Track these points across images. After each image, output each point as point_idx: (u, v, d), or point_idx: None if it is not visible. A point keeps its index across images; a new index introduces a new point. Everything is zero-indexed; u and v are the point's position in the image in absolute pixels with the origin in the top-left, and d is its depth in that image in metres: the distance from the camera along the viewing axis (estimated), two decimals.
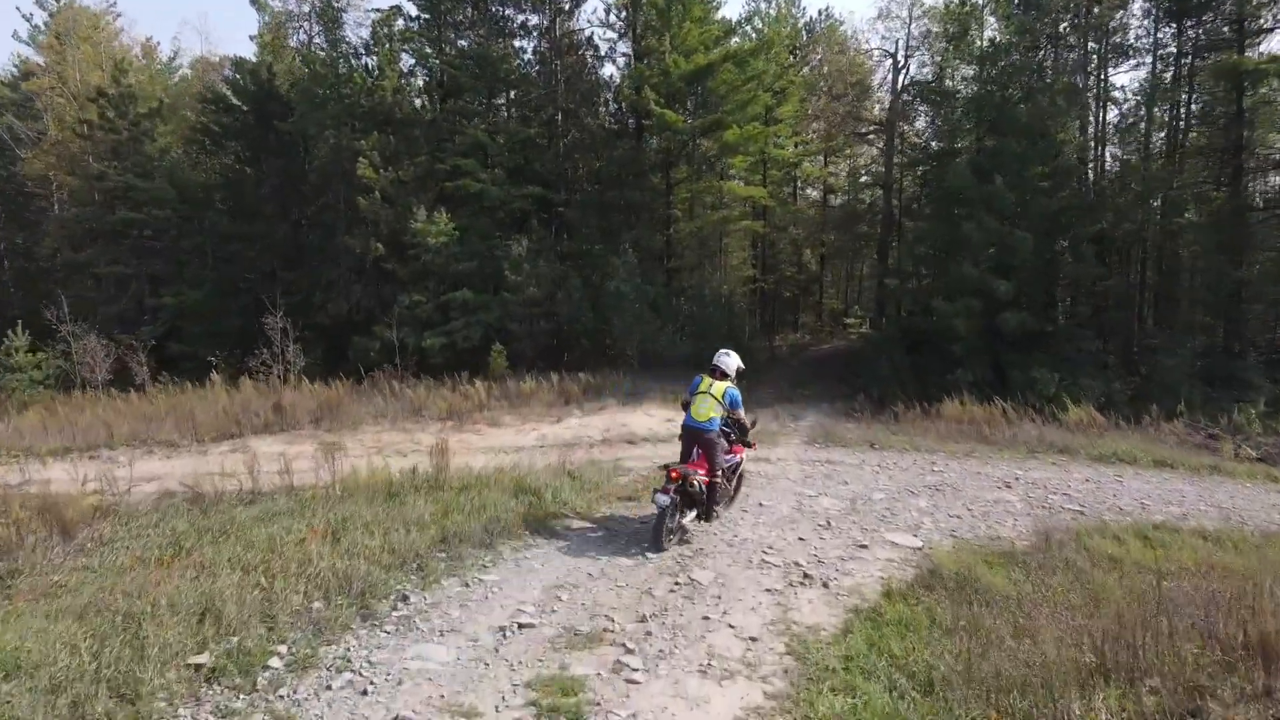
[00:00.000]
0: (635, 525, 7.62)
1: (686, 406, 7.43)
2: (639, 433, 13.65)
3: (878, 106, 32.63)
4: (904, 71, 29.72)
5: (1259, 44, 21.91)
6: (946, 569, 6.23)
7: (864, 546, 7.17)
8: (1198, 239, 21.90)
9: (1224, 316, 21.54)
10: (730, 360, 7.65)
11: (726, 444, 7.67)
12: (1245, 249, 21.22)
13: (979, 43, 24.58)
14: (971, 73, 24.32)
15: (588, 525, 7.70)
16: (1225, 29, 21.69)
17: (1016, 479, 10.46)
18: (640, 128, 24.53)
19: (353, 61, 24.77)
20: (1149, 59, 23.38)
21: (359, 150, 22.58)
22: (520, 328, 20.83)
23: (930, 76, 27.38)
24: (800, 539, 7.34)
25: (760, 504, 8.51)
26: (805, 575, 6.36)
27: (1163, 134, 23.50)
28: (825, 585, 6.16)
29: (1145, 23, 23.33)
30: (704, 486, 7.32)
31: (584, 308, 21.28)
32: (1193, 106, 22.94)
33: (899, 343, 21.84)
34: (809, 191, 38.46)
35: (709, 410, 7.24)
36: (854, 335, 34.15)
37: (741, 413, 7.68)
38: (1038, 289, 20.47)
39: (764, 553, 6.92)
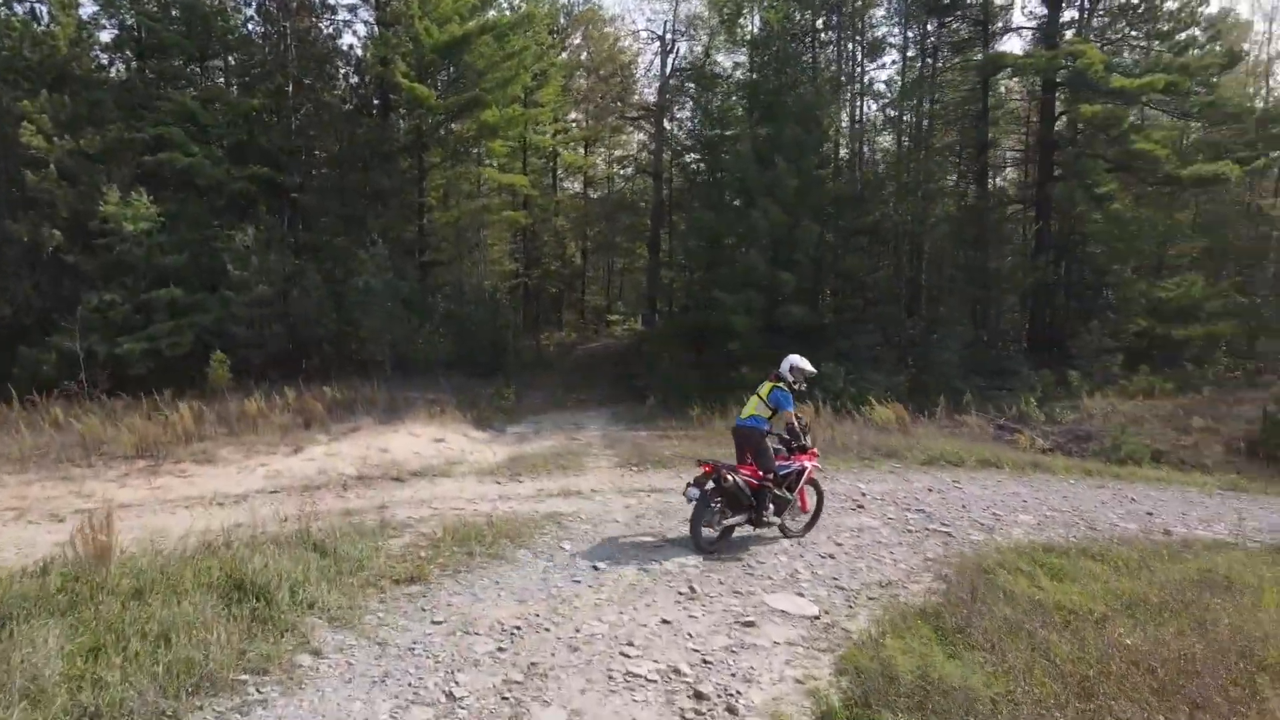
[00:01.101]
0: (426, 638, 5.54)
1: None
2: (406, 463, 11.93)
3: (646, 91, 35.71)
4: (672, 54, 32.34)
5: (1000, 44, 25.65)
6: (880, 658, 5.20)
7: (750, 624, 5.97)
8: (951, 232, 25.08)
9: (980, 308, 24.94)
10: (791, 364, 8.13)
11: (786, 450, 8.11)
12: (992, 242, 24.80)
13: (750, 28, 26.15)
14: (744, 58, 25.88)
15: (353, 643, 5.40)
16: (968, 29, 25.58)
17: (864, 495, 10.38)
18: (387, 104, 24.06)
19: (14, 5, 22.52)
20: (899, 56, 26.66)
21: (22, 113, 20.37)
22: (246, 332, 19.56)
23: (699, 60, 28.48)
24: (664, 621, 6.03)
25: (595, 566, 7.07)
26: (696, 694, 4.97)
27: (917, 129, 26.36)
28: (731, 712, 4.78)
29: (895, 20, 26.66)
30: (749, 487, 7.65)
31: (325, 307, 20.50)
32: (936, 105, 26.24)
33: (679, 340, 22.93)
34: (570, 184, 40.73)
35: (752, 408, 8.01)
36: (620, 333, 35.52)
37: (791, 413, 8.04)
38: (814, 282, 22.46)
39: (625, 655, 5.47)
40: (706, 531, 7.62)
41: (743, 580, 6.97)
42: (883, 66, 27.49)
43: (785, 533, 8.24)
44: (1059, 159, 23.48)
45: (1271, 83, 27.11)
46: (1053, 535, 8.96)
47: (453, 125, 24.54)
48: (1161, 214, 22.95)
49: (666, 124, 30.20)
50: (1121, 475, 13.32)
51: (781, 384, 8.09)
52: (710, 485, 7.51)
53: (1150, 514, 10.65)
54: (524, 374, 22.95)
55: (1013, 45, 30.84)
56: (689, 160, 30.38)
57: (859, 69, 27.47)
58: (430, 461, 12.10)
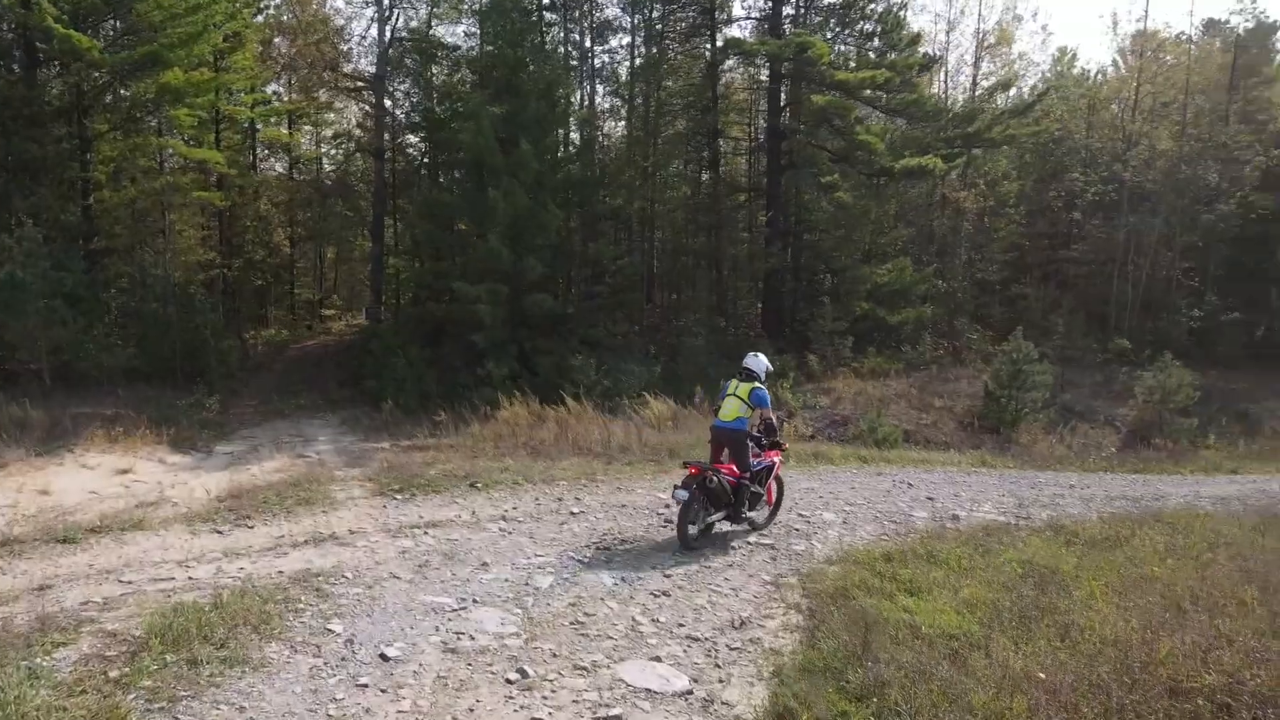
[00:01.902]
0: None
1: (716, 412, 8.75)
2: (79, 510, 9.41)
3: (362, 61, 34.59)
4: (391, 21, 31.95)
5: (725, 33, 26.86)
6: None
7: None
8: (687, 219, 26.94)
9: (718, 294, 26.84)
10: (758, 362, 8.84)
11: (757, 448, 8.72)
12: (726, 229, 26.76)
13: None
14: (474, 28, 25.48)
15: None
16: (695, 16, 27.19)
17: (669, 507, 9.74)
18: (34, 55, 21.11)
19: None
20: (628, 40, 28.22)
21: None
22: None
23: (421, 30, 27.46)
24: None
25: (384, 655, 5.54)
26: None
27: (648, 115, 27.76)
28: None
29: (623, 3, 27.77)
30: (729, 485, 8.33)
31: None
32: (665, 92, 27.74)
33: (413, 335, 22.41)
34: (275, 164, 38.51)
35: (735, 410, 8.52)
36: (340, 329, 34.13)
37: (769, 412, 8.82)
38: (558, 269, 22.77)
39: None
40: (691, 529, 8.26)
41: (579, 645, 5.84)
42: (611, 51, 29.27)
43: (752, 525, 9.01)
44: (786, 149, 26.67)
45: (952, 85, 32.70)
46: (864, 534, 9.16)
47: (124, 88, 22.50)
48: (875, 204, 26.91)
49: (387, 100, 29.66)
50: (890, 460, 14.30)
51: (758, 383, 8.72)
52: (695, 486, 8.16)
53: (931, 499, 11.39)
54: (230, 380, 21.52)
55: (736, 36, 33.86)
56: (414, 139, 29.98)
57: (588, 51, 29.19)
58: (114, 506, 9.56)
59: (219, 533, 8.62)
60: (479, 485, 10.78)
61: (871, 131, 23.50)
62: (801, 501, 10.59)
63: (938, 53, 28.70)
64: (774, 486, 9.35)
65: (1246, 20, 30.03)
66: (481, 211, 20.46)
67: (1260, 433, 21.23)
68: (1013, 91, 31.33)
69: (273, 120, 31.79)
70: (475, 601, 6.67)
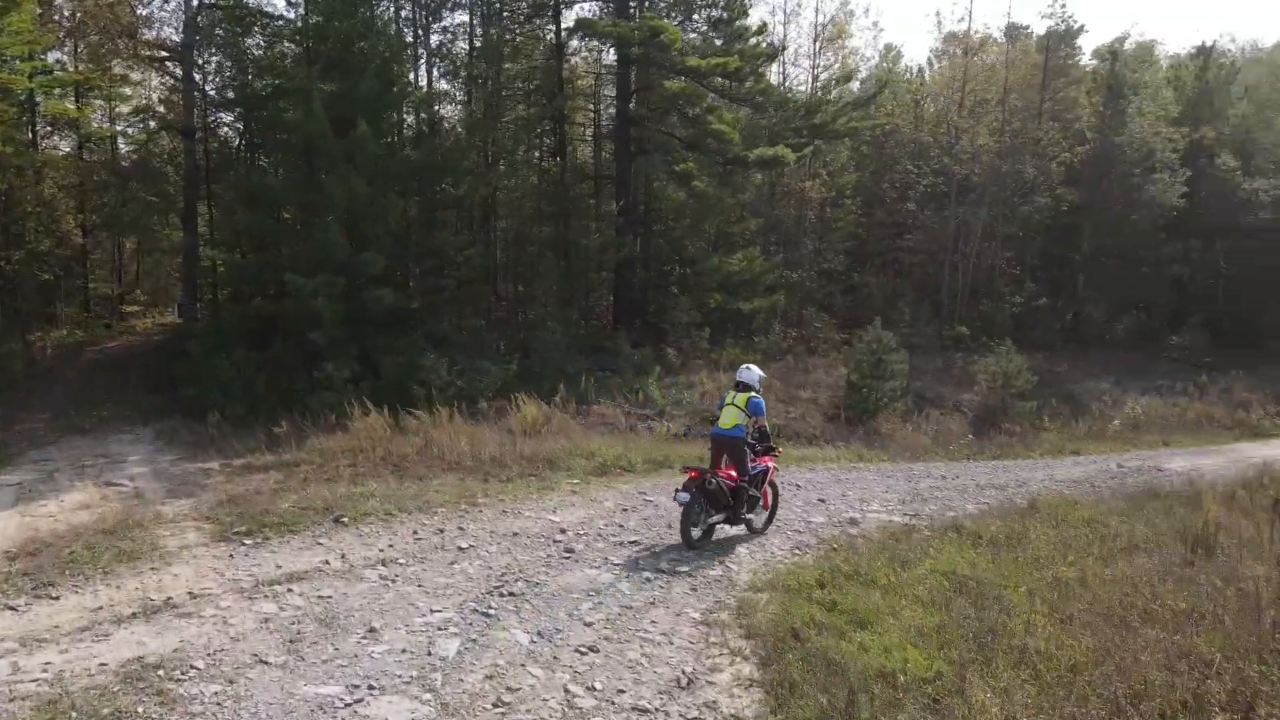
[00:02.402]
0: None
1: (714, 421, 9.36)
2: None
3: (167, 28, 31.09)
4: None
5: (571, 12, 26.58)
6: None
7: None
8: (534, 208, 25.66)
9: (567, 286, 25.59)
10: (751, 374, 9.50)
11: (752, 453, 9.22)
12: (575, 216, 25.84)
13: None
14: None
15: None
16: None
17: (564, 532, 9.13)
18: None
19: None
20: (467, 19, 26.88)
21: None
22: None
23: None
24: None
25: None
26: None
27: (490, 98, 26.40)
28: None
29: None
30: (728, 489, 8.85)
31: None
32: (508, 74, 26.65)
33: (237, 334, 20.32)
34: (61, 142, 34.28)
35: (734, 419, 9.07)
36: (146, 328, 31.18)
37: (764, 420, 9.49)
38: (400, 261, 21.49)
39: None
40: (694, 531, 8.82)
41: None
42: (448, 30, 27.57)
43: (750, 527, 9.50)
44: (636, 135, 26.10)
45: (790, 77, 33.27)
46: (774, 549, 8.82)
47: None
48: (727, 193, 26.81)
49: (196, 74, 26.78)
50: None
51: (754, 393, 9.33)
52: (695, 489, 8.67)
53: (822, 501, 11.21)
54: (12, 390, 18.72)
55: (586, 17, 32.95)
56: (229, 117, 27.47)
57: (423, 29, 27.50)
58: None
59: (11, 609, 6.57)
60: (345, 519, 9.24)
61: (724, 120, 23.25)
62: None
63: (778, 44, 28.93)
64: (769, 491, 9.82)
65: (1055, 23, 32.07)
66: (313, 198, 18.79)
67: (1087, 413, 22.65)
68: (855, 85, 32.13)
69: (56, 92, 27.99)
70: (371, 688, 5.38)
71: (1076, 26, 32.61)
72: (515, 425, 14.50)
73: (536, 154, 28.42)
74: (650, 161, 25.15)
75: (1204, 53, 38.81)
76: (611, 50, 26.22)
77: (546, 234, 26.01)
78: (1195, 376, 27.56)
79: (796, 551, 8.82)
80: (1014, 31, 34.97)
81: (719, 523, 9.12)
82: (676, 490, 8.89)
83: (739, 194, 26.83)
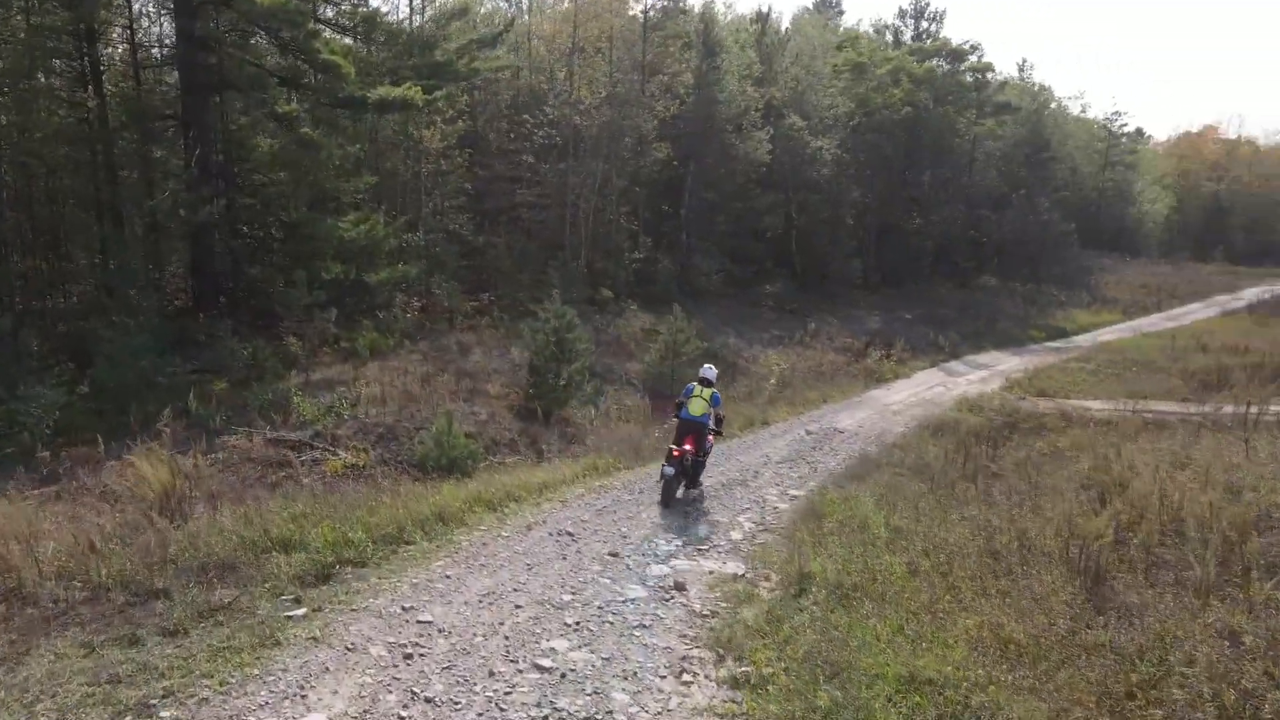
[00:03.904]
0: None
1: (679, 406, 12.12)
2: None
3: None
4: None
5: None
6: None
7: None
8: (69, 155, 19.46)
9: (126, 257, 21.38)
10: (712, 371, 12.65)
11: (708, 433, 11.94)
12: (127, 167, 20.55)
13: None
14: None
15: None
16: None
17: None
18: None
19: None
20: None
21: None
22: None
23: None
24: None
25: None
26: None
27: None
28: None
29: None
30: (694, 462, 11.64)
31: None
32: None
33: None
34: None
35: (701, 409, 11.89)
36: None
37: (722, 410, 12.40)
38: None
39: None
40: (679, 493, 11.67)
41: None
42: None
43: (698, 487, 11.99)
44: (215, 63, 20.21)
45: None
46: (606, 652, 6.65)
47: None
48: (335, 143, 22.14)
49: None
50: (515, 495, 11.21)
51: (715, 388, 12.14)
52: (677, 466, 11.34)
53: (615, 555, 9.10)
54: None
55: None
56: None
57: None
58: None
59: None
60: None
61: (334, 50, 18.87)
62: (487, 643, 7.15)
63: None
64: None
65: None
66: None
67: (744, 374, 22.78)
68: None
69: None
70: None
71: None
72: (131, 491, 9.85)
73: (65, 81, 21.02)
74: (235, 98, 19.78)
75: (762, 19, 41.92)
76: None
77: (79, 187, 19.37)
78: (798, 325, 29.64)
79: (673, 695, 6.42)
80: None
81: (681, 488, 11.70)
82: (664, 464, 11.42)
83: (350, 144, 22.41)
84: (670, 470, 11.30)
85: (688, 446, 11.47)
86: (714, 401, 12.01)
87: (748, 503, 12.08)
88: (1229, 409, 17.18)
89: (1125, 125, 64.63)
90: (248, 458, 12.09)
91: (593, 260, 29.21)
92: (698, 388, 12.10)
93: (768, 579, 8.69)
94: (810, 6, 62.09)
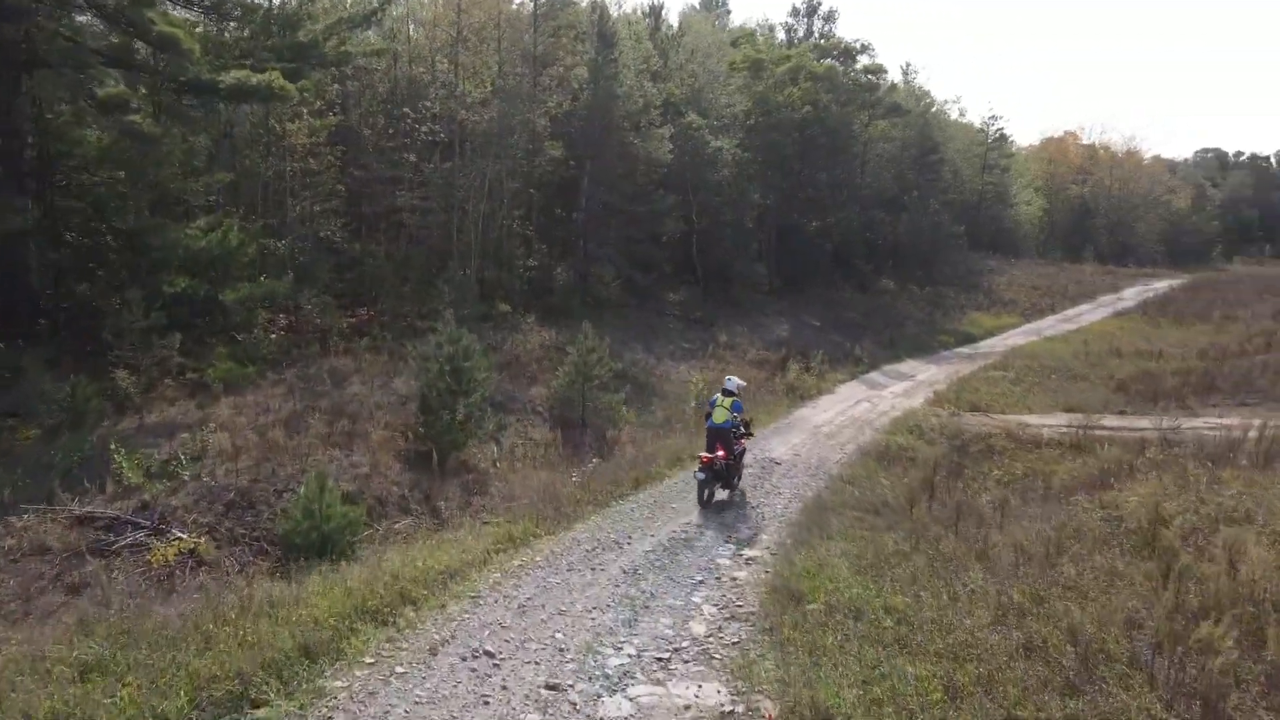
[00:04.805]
0: None
1: (708, 416, 13.42)
2: None
3: None
4: None
5: None
6: None
7: None
8: None
9: None
10: (735, 382, 14.18)
11: (735, 438, 13.26)
12: None
13: None
14: None
15: None
16: None
17: None
18: None
19: None
20: None
21: None
22: None
23: None
24: None
25: None
26: None
27: None
28: None
29: None
30: (725, 466, 12.92)
31: None
32: None
33: None
34: None
35: (724, 416, 13.19)
36: None
37: (744, 415, 13.81)
38: None
39: None
40: (718, 495, 13.15)
41: None
42: None
43: (735, 489, 13.70)
44: (21, 38, 16.60)
45: None
46: None
47: None
48: (177, 136, 18.81)
49: None
50: (406, 597, 8.60)
51: (737, 397, 13.78)
52: (709, 471, 12.63)
53: (554, 688, 6.90)
54: None
55: None
56: None
57: None
58: None
59: None
60: None
61: (173, 22, 15.75)
62: None
63: None
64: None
65: None
66: None
67: (660, 396, 20.73)
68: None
69: None
70: None
71: None
72: None
73: None
74: (51, 80, 16.38)
75: (655, 11, 40.11)
76: None
77: None
78: (708, 335, 27.87)
79: None
80: None
81: (719, 489, 13.18)
82: (695, 471, 12.82)
83: (196, 136, 19.16)
84: (702, 475, 12.69)
85: (719, 453, 12.83)
86: (735, 409, 13.50)
87: (699, 572, 9.96)
88: (1183, 424, 16.22)
89: (1001, 129, 65.91)
90: (42, 547, 9.10)
91: (484, 270, 26.55)
92: (720, 397, 13.66)
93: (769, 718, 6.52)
94: (697, 5, 60.77)
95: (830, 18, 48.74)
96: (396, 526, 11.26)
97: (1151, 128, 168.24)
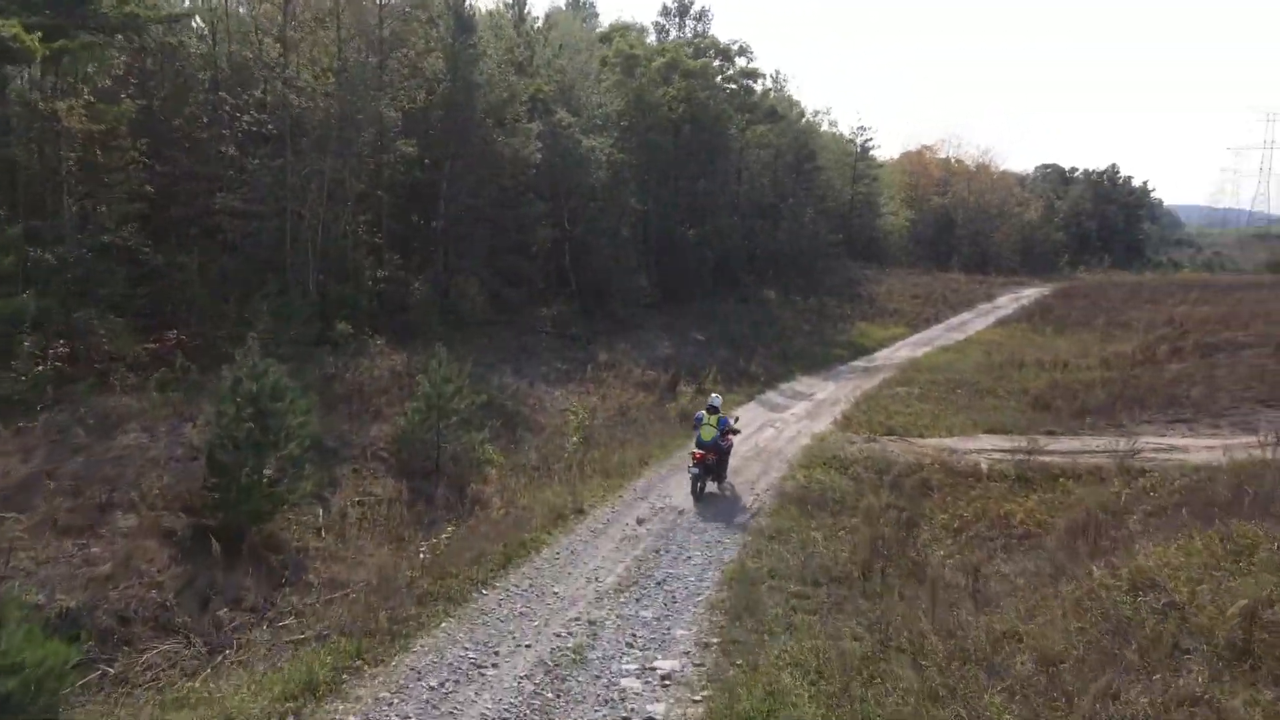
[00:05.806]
0: None
1: (696, 426, 14.97)
2: None
3: None
4: None
5: None
6: None
7: None
8: None
9: None
10: (717, 399, 15.76)
11: (722, 434, 14.80)
12: None
13: None
14: None
15: None
16: None
17: None
18: None
19: None
20: None
21: None
22: None
23: None
24: None
25: None
26: None
27: None
28: None
29: None
30: (716, 461, 14.51)
31: None
32: None
33: None
34: None
35: (711, 433, 14.52)
36: None
37: (732, 424, 15.33)
38: None
39: None
40: (710, 487, 14.70)
41: None
42: None
43: (723, 482, 15.19)
44: None
45: None
46: None
47: None
48: None
49: None
50: None
51: (721, 414, 15.09)
52: (701, 467, 14.27)
53: None
54: None
55: None
56: None
57: None
58: None
59: None
60: None
61: None
62: None
63: None
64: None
65: None
66: None
67: (534, 429, 17.40)
68: None
69: None
70: None
71: None
72: None
73: None
74: None
75: (519, 2, 36.84)
76: None
77: None
78: (585, 355, 24.75)
79: None
80: None
81: (711, 482, 14.81)
82: (690, 466, 14.32)
83: None
84: (695, 470, 14.16)
85: (711, 456, 14.38)
86: (722, 425, 14.80)
87: (595, 708, 6.74)
88: (1129, 444, 14.21)
89: (870, 140, 65.80)
90: None
91: (325, 284, 22.54)
92: (706, 415, 14.82)
93: None
94: (563, 6, 57.83)
95: (702, 17, 46.71)
96: (141, 668, 7.54)
97: (1003, 131, 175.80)
